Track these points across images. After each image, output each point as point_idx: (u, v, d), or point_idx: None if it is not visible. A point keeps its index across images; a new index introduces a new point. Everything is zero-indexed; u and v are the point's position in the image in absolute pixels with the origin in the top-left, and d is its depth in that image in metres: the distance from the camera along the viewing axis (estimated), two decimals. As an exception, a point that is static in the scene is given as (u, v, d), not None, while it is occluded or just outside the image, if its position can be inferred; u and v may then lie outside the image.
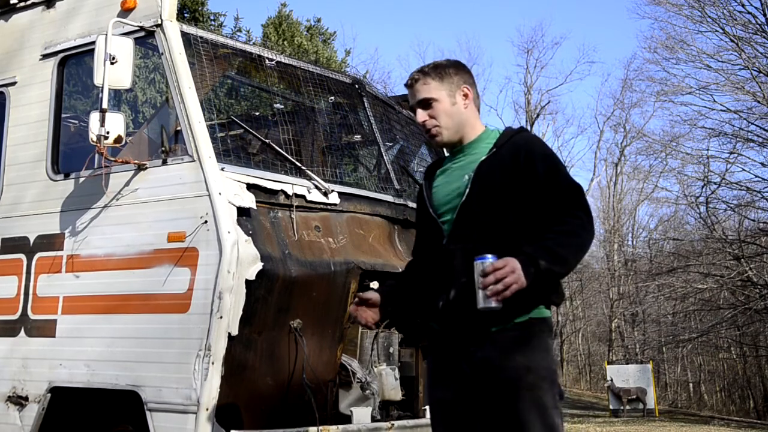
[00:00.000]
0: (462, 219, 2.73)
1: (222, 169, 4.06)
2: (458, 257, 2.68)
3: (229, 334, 3.84)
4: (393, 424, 4.42)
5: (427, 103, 2.86)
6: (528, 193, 2.68)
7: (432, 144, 2.94)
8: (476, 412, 2.67)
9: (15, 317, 4.62)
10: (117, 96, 5.99)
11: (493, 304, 2.49)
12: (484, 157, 2.76)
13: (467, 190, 2.73)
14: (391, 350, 4.70)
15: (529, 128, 32.86)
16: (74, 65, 4.93)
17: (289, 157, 4.58)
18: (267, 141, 4.72)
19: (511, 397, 2.60)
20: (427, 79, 2.87)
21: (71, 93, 5.58)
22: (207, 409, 3.79)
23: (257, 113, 5.69)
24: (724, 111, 19.85)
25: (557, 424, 2.63)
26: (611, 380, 19.04)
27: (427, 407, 4.75)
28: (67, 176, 4.59)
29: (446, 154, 3.11)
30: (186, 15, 15.24)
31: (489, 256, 2.53)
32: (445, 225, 2.78)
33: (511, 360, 2.62)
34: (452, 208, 2.77)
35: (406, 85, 2.94)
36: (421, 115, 2.87)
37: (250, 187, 4.12)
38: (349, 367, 4.50)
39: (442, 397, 2.76)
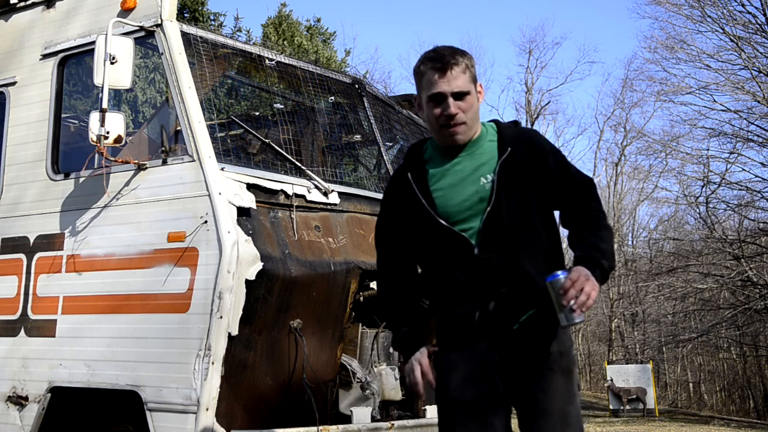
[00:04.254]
0: (491, 226, 2.56)
1: (222, 169, 4.06)
2: (496, 267, 2.56)
3: (229, 334, 3.84)
4: (393, 424, 4.41)
5: (461, 95, 2.58)
6: (543, 189, 2.64)
7: (446, 140, 2.63)
8: (505, 402, 2.60)
9: (15, 317, 4.62)
10: (117, 96, 5.99)
11: (577, 318, 2.42)
12: (501, 158, 2.60)
13: (492, 195, 2.57)
14: (391, 350, 4.70)
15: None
16: (74, 65, 4.93)
17: (289, 157, 4.58)
18: (267, 141, 4.73)
19: (547, 379, 2.56)
20: (463, 65, 2.59)
21: (71, 93, 5.58)
22: (207, 409, 3.79)
23: (257, 113, 5.69)
24: (724, 111, 19.86)
25: (580, 412, 2.64)
26: (611, 380, 19.02)
27: (428, 407, 4.76)
28: (67, 176, 4.59)
29: (430, 151, 2.76)
30: (186, 15, 15.23)
31: (559, 273, 2.46)
32: (467, 233, 2.58)
33: (545, 345, 2.58)
34: (474, 214, 2.59)
35: (432, 62, 2.58)
36: (454, 106, 2.57)
37: (250, 187, 4.12)
38: (349, 367, 4.50)
39: (460, 396, 2.60)
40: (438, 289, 2.69)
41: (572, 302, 2.39)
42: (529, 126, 33.20)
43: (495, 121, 2.77)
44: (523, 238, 2.58)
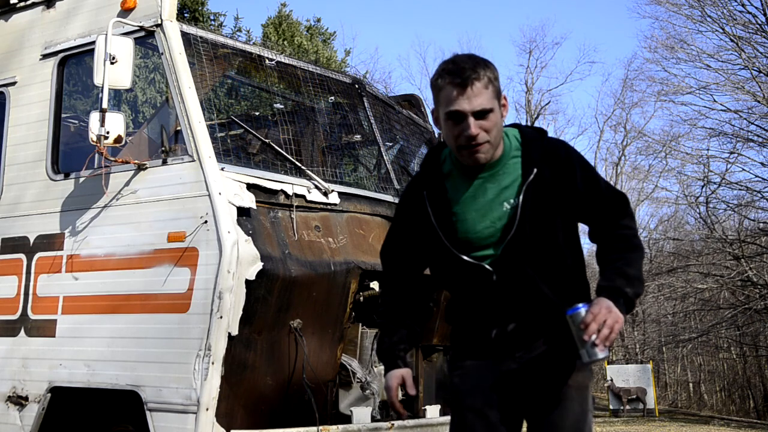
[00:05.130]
0: (513, 252, 2.42)
1: (222, 169, 4.07)
2: (516, 292, 2.46)
3: (229, 334, 3.85)
4: (393, 424, 4.42)
5: (483, 114, 2.34)
6: (570, 207, 2.49)
7: (467, 161, 2.43)
8: (519, 411, 2.54)
9: (15, 317, 4.62)
10: (117, 96, 6.00)
11: (601, 354, 2.29)
12: (526, 182, 2.42)
13: (516, 221, 2.41)
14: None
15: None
16: (74, 65, 4.93)
17: (289, 157, 4.58)
18: (267, 141, 4.73)
19: (561, 394, 2.48)
20: (486, 80, 2.35)
21: (71, 93, 5.59)
22: (207, 409, 3.79)
23: (257, 113, 5.70)
24: (724, 111, 19.85)
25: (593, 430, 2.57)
26: (611, 380, 19.04)
27: (428, 407, 4.76)
28: (67, 176, 4.59)
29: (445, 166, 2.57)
30: (186, 15, 15.22)
31: (579, 306, 2.34)
32: (486, 261, 2.44)
33: (563, 362, 2.48)
34: (496, 241, 2.44)
35: (450, 75, 2.34)
36: (475, 126, 2.34)
37: (250, 187, 4.12)
38: (349, 367, 4.50)
39: (471, 403, 2.53)
40: (453, 303, 2.62)
41: (594, 337, 2.27)
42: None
43: (518, 127, 2.56)
44: (546, 264, 2.47)
